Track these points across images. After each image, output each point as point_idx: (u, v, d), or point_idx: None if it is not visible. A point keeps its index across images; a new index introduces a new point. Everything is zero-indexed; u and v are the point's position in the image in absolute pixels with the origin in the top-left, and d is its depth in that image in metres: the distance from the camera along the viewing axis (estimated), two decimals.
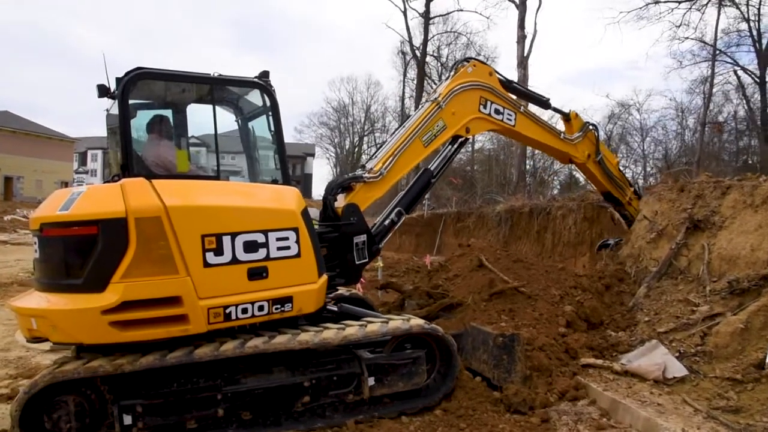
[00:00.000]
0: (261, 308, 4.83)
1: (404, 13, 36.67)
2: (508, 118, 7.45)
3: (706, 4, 25.04)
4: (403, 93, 44.63)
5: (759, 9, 27.23)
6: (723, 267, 6.46)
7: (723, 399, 4.88)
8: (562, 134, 8.11)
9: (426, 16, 36.93)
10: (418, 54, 37.61)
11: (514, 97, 7.67)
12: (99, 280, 4.32)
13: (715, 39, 26.79)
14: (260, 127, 6.25)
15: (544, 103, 8.12)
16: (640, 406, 4.99)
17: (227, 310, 4.65)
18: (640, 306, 6.89)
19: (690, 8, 24.97)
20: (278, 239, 4.91)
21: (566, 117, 8.40)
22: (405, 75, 43.89)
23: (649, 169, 33.92)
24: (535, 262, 7.77)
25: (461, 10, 37.01)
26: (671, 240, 7.35)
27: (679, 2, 24.98)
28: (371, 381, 5.16)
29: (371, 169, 6.50)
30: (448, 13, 38.59)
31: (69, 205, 4.42)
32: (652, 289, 7.04)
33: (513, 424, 5.02)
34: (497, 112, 7.38)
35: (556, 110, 8.41)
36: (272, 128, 5.72)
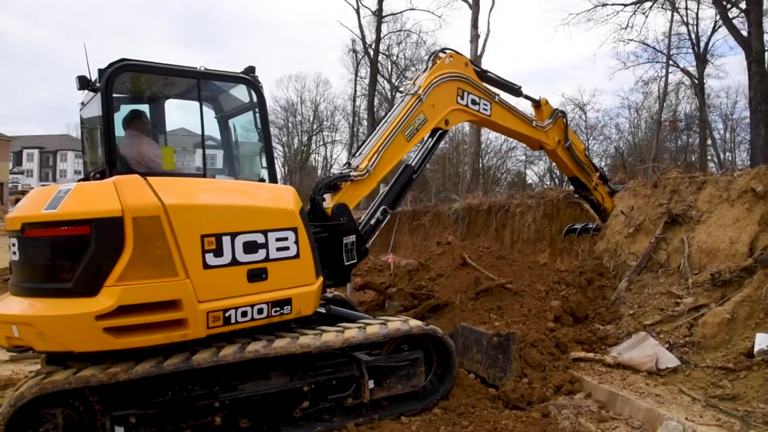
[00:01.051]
0: (260, 311, 4.64)
1: (357, 11, 36.60)
2: (484, 109, 7.48)
3: (650, 7, 25.98)
4: (355, 91, 44.51)
5: (697, 14, 28.59)
6: (703, 260, 6.65)
7: (718, 388, 5.01)
8: (533, 122, 8.22)
9: (379, 15, 36.93)
10: (371, 52, 37.55)
11: (489, 86, 7.71)
12: (91, 284, 4.03)
13: (669, 41, 27.96)
14: (244, 124, 6.05)
15: (516, 91, 8.16)
16: (638, 398, 5.07)
17: (227, 314, 4.44)
18: (623, 299, 7.03)
19: (635, 12, 25.82)
20: (278, 239, 4.73)
21: (537, 104, 8.51)
22: (357, 73, 43.76)
23: (604, 165, 35.00)
24: (517, 258, 7.83)
25: (414, 9, 37.29)
26: (649, 234, 7.53)
27: (625, 5, 25.80)
28: (371, 384, 5.05)
29: (357, 166, 6.38)
30: (401, 12, 38.76)
31: (56, 204, 4.11)
32: (633, 283, 7.19)
33: (515, 419, 5.01)
34: (474, 102, 7.38)
35: (527, 97, 8.48)
36: (259, 125, 5.53)
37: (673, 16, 27.67)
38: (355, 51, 42.33)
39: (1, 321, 4.25)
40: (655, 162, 16.27)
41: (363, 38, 37.64)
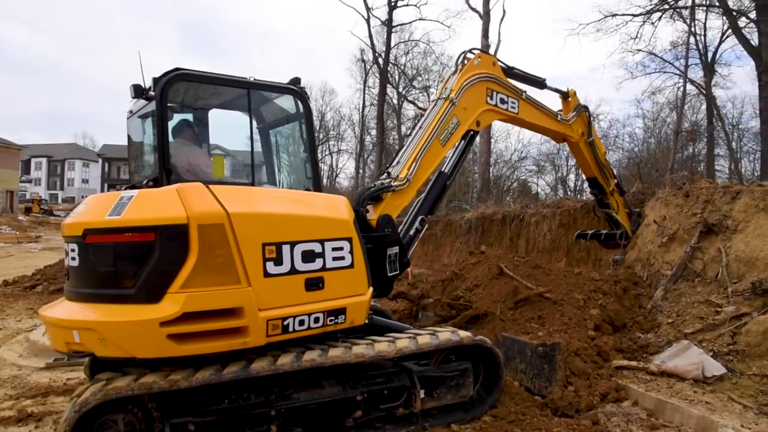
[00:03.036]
0: (317, 320, 4.66)
1: (367, 21, 36.80)
2: (512, 107, 7.54)
3: (660, 18, 26.12)
4: (363, 101, 44.65)
5: (705, 24, 28.72)
6: (741, 269, 6.67)
7: None
8: (558, 115, 8.29)
9: (389, 25, 37.14)
10: (381, 62, 37.74)
11: (515, 83, 7.75)
12: (154, 290, 4.06)
13: (687, 50, 28.03)
14: (289, 134, 6.10)
15: (541, 84, 8.20)
16: (689, 405, 5.07)
17: (285, 322, 4.46)
18: (659, 308, 7.03)
19: (644, 22, 25.96)
20: (334, 249, 4.76)
21: (565, 95, 8.59)
22: (365, 83, 43.94)
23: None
24: (553, 267, 7.85)
25: (423, 20, 37.44)
26: (683, 244, 7.55)
27: (635, 15, 25.95)
28: (422, 394, 5.06)
29: (397, 176, 6.40)
30: (410, 22, 38.96)
31: (120, 210, 4.14)
32: (669, 292, 7.20)
33: (566, 427, 5.00)
34: (502, 101, 7.43)
35: (554, 89, 8.57)
36: (305, 135, 5.57)
37: (692, 25, 27.66)
38: (363, 60, 42.56)
39: (62, 326, 4.27)
40: (672, 172, 16.29)
41: (373, 48, 37.84)
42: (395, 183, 6.31)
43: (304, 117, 5.48)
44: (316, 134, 58.30)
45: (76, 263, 4.41)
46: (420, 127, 6.85)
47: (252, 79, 5.22)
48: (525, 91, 7.75)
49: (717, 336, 6.03)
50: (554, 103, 8.59)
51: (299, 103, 5.48)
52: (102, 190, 69.74)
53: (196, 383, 4.16)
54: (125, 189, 4.90)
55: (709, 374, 5.53)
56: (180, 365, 4.32)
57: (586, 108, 8.75)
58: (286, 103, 5.70)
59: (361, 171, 45.83)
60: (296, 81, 5.51)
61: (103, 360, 4.36)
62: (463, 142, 7.26)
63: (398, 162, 6.64)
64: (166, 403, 4.29)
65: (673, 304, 6.97)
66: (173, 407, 4.29)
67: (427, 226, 6.79)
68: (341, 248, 4.82)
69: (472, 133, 7.27)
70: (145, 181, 5.18)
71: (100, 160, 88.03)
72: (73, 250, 4.43)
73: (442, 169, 7.16)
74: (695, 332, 6.24)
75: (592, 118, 8.83)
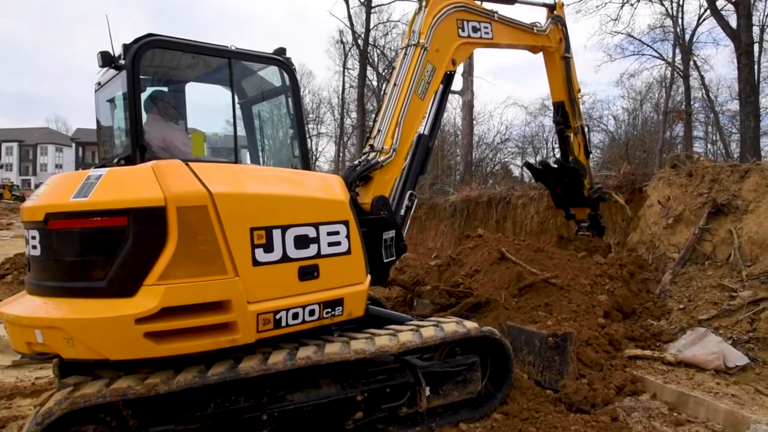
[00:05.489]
0: (312, 312, 4.18)
1: (346, 1, 35.93)
2: (486, 33, 7.05)
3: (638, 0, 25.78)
4: (343, 82, 43.72)
5: (682, 6, 28.54)
6: (755, 251, 6.34)
7: None
8: (534, 27, 7.96)
9: (368, 5, 36.32)
10: (361, 43, 36.95)
11: (485, 5, 7.24)
12: (128, 283, 3.54)
13: (683, 31, 27.75)
14: (271, 109, 5.58)
15: (509, 0, 7.78)
16: (714, 398, 4.71)
17: (277, 316, 3.97)
18: (669, 293, 6.69)
19: (623, 3, 25.59)
20: (329, 234, 4.28)
21: (552, 7, 8.32)
22: (345, 65, 43.02)
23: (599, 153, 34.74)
24: (555, 251, 7.45)
25: None
26: (690, 225, 7.20)
27: None
28: (427, 391, 4.62)
29: (381, 149, 5.88)
30: (389, 3, 38.11)
31: (87, 191, 3.59)
32: (678, 276, 6.86)
33: (584, 424, 4.62)
34: (475, 30, 6.92)
35: (535, 3, 8.31)
36: (292, 110, 5.06)
37: (671, 8, 27.40)
38: (343, 42, 41.63)
39: (22, 324, 3.72)
40: (662, 153, 16.04)
41: (352, 29, 36.99)
42: (382, 158, 5.81)
43: (291, 90, 4.98)
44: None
45: (37, 252, 3.85)
46: (395, 84, 6.21)
47: (234, 48, 4.69)
48: (496, 12, 7.24)
49: (734, 323, 5.69)
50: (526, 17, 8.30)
51: (285, 75, 4.96)
52: None
53: (177, 387, 3.67)
54: (94, 168, 4.36)
55: (731, 364, 5.18)
56: (159, 366, 3.82)
57: (560, 18, 8.41)
58: (271, 75, 5.18)
59: (341, 155, 45.07)
60: (281, 51, 4.98)
61: (71, 361, 3.84)
62: (441, 87, 6.69)
63: (379, 131, 6.06)
64: (144, 409, 3.80)
65: (683, 288, 6.63)
66: (152, 414, 3.80)
67: (416, 201, 6.30)
68: (337, 232, 4.34)
69: (449, 75, 6.74)
70: (115, 160, 4.63)
71: (74, 145, 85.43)
72: (33, 238, 3.87)
73: (422, 132, 6.56)
74: (710, 318, 5.90)
75: (567, 28, 8.49)
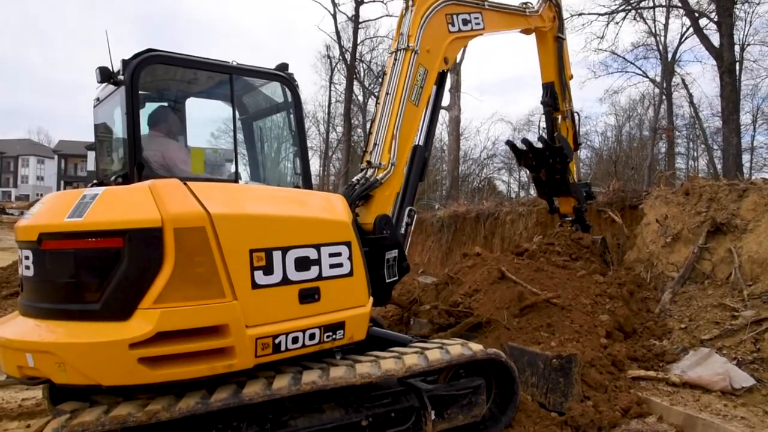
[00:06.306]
0: (312, 336, 4.05)
1: (334, 16, 36.11)
2: (476, 24, 6.82)
3: (624, 18, 26.17)
4: (329, 97, 43.74)
5: (666, 24, 29.00)
6: (755, 271, 6.30)
7: None
8: (526, 9, 7.83)
9: (355, 20, 36.55)
10: (348, 57, 37.10)
11: None
12: (123, 306, 3.41)
13: (666, 49, 28.14)
14: (275, 125, 5.51)
15: None
16: (723, 421, 4.61)
17: (276, 340, 3.83)
18: (669, 312, 6.62)
19: (608, 22, 25.96)
20: (331, 255, 4.16)
21: None
22: (331, 80, 43.10)
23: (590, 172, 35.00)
24: (555, 270, 7.37)
25: (390, 16, 36.88)
26: (688, 244, 7.17)
27: (600, 14, 25.98)
28: (432, 415, 4.49)
29: (380, 164, 5.75)
30: (377, 18, 38.35)
31: (82, 211, 3.48)
32: (678, 295, 6.80)
33: None
34: (465, 22, 6.68)
35: None
36: (294, 127, 4.97)
37: (654, 27, 27.88)
38: (329, 57, 41.73)
39: (12, 347, 3.57)
40: (651, 170, 16.07)
41: (340, 43, 37.15)
42: (380, 174, 5.70)
43: (293, 106, 4.89)
44: (280, 131, 57.50)
45: (30, 273, 3.72)
46: (388, 93, 6.01)
47: (235, 63, 4.62)
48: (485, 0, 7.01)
49: (738, 343, 5.62)
50: None
51: (287, 91, 4.88)
52: (58, 188, 66.27)
53: (179, 414, 3.51)
54: (91, 186, 4.25)
55: (738, 386, 5.10)
56: (158, 391, 3.68)
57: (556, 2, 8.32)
58: (273, 91, 5.11)
59: (326, 169, 44.91)
60: (284, 66, 4.91)
61: (63, 386, 3.69)
62: (434, 89, 6.47)
63: (376, 144, 5.89)
64: None
65: (683, 307, 6.57)
66: None
67: (416, 216, 6.17)
68: (339, 254, 4.23)
69: (441, 75, 6.53)
70: (113, 178, 4.52)
71: (56, 157, 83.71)
72: (27, 258, 3.74)
73: (417, 143, 6.32)
74: (713, 338, 5.83)
75: (561, 10, 8.40)
